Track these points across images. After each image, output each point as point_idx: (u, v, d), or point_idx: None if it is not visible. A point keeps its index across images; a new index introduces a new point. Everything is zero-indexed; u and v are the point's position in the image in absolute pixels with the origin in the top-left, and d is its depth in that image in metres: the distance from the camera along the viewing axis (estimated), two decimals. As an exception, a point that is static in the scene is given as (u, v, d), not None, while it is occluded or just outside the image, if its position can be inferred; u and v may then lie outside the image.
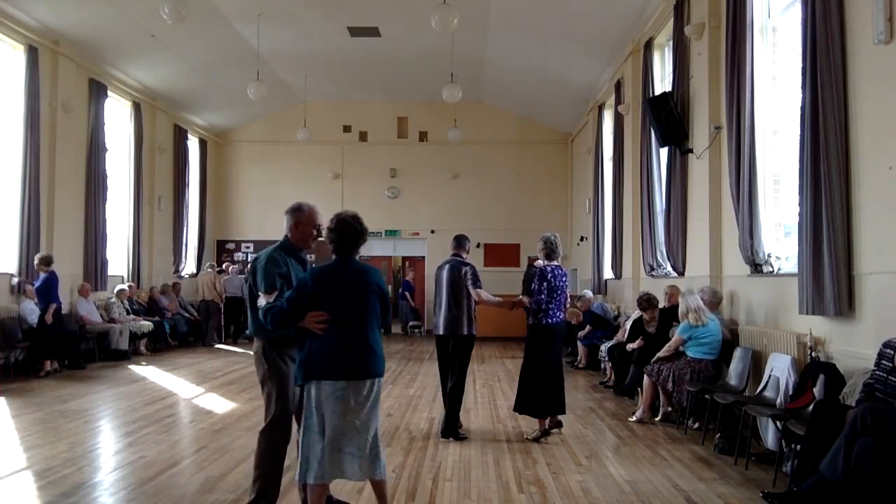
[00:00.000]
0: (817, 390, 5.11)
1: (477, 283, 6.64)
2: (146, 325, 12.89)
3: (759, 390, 6.02)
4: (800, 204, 5.64)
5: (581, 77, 13.99)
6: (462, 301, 6.60)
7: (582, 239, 16.29)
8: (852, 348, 5.19)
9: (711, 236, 7.96)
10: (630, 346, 8.46)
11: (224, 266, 16.90)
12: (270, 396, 4.13)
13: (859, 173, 5.18)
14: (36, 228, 10.93)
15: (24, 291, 10.50)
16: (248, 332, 4.42)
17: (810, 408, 4.80)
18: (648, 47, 10.50)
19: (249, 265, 4.57)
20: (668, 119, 8.80)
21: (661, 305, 8.37)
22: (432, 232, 18.20)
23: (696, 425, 6.73)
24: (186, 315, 14.97)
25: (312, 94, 17.18)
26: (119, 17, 11.26)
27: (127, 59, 13.24)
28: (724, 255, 7.85)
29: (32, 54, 10.92)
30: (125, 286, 13.25)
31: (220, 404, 8.12)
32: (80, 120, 12.36)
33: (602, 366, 10.20)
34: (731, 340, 7.06)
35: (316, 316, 3.81)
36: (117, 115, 14.11)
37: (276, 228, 17.88)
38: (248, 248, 18.66)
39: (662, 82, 10.43)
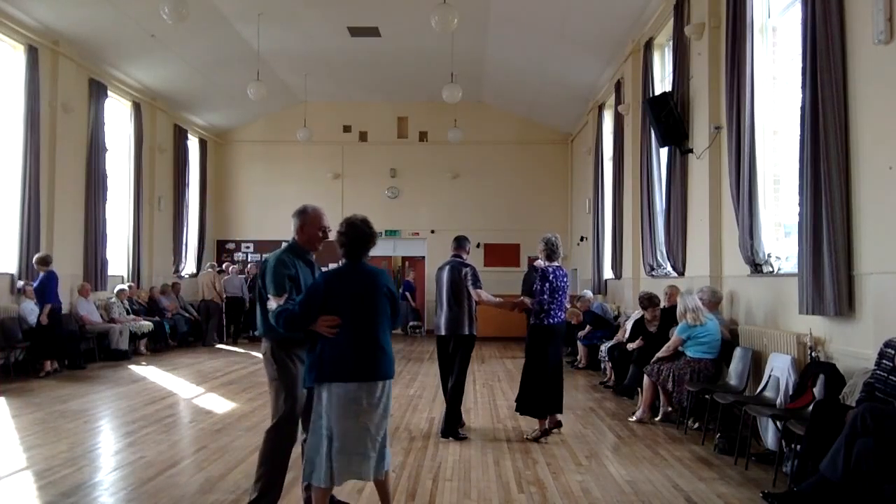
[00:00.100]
0: (817, 390, 5.11)
1: (477, 283, 6.70)
2: (146, 325, 12.89)
3: (759, 390, 6.02)
4: (800, 204, 5.64)
5: (581, 77, 13.98)
6: (463, 301, 6.66)
7: (582, 239, 16.29)
8: (852, 348, 5.19)
9: (711, 236, 7.95)
10: (631, 346, 8.46)
11: (224, 266, 16.90)
12: (278, 396, 4.15)
13: (859, 173, 5.18)
14: (36, 228, 10.93)
15: (23, 292, 10.51)
16: (256, 332, 4.44)
17: (810, 408, 4.80)
18: (648, 47, 10.50)
19: (259, 267, 4.59)
20: (668, 119, 8.79)
21: (661, 305, 8.37)
22: (432, 232, 18.19)
23: (696, 425, 6.73)
24: (186, 315, 14.97)
25: (312, 94, 17.18)
26: (119, 17, 11.26)
27: (127, 59, 13.23)
28: (724, 255, 7.85)
29: (32, 54, 10.92)
30: (125, 286, 13.24)
31: (220, 404, 8.12)
32: (80, 120, 12.36)
33: (602, 366, 10.19)
34: (731, 340, 7.06)
35: (328, 321, 3.84)
36: (117, 115, 14.11)
37: (276, 228, 17.91)
38: (247, 248, 18.66)
39: (662, 82, 10.43)
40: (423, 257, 18.52)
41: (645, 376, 7.28)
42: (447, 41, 12.29)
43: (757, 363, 6.42)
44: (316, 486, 3.85)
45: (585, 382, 9.99)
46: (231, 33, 12.74)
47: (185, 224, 16.64)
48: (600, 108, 14.27)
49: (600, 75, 13.53)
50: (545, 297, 6.42)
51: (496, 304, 7.04)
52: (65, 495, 4.68)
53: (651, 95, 9.94)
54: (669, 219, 9.15)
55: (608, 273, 13.32)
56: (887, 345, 4.40)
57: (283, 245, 4.40)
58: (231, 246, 18.75)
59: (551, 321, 6.47)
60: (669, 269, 9.42)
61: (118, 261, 13.88)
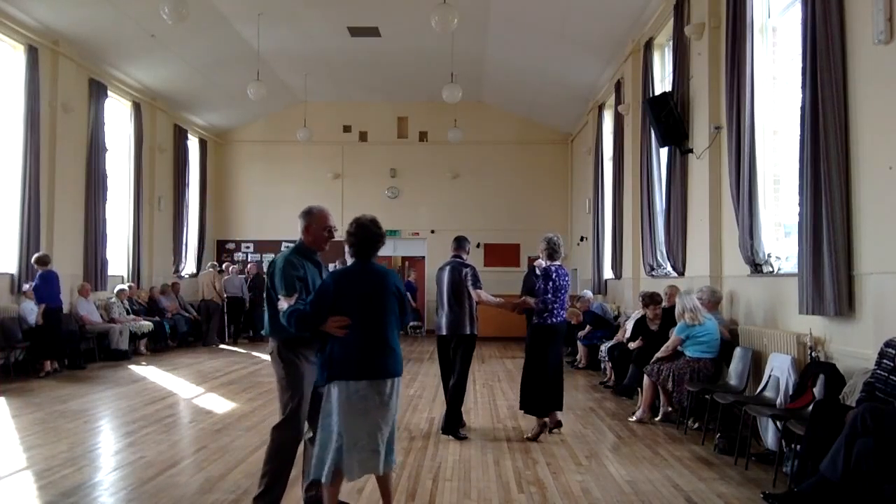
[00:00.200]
0: (817, 390, 5.11)
1: (477, 283, 6.74)
2: (146, 325, 12.89)
3: (759, 390, 6.01)
4: (800, 204, 5.64)
5: (581, 77, 13.98)
6: (464, 301, 6.70)
7: (582, 239, 16.29)
8: (852, 348, 5.19)
9: (711, 236, 7.95)
10: (632, 345, 8.47)
11: (224, 266, 16.90)
12: (285, 394, 4.20)
13: (859, 173, 5.18)
14: (36, 228, 10.92)
15: (24, 291, 10.51)
16: (262, 331, 4.50)
17: (810, 408, 4.80)
18: (648, 47, 10.50)
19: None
20: (668, 119, 8.79)
21: (663, 304, 8.37)
22: (432, 232, 18.19)
23: (696, 425, 6.73)
24: (186, 315, 14.96)
25: (312, 94, 17.18)
26: (119, 17, 11.26)
27: (127, 59, 13.23)
28: (723, 255, 7.85)
29: (32, 54, 10.92)
30: (125, 286, 13.25)
31: (220, 404, 8.12)
32: (80, 120, 12.36)
33: (602, 366, 10.20)
34: (731, 340, 7.06)
35: (338, 321, 3.89)
36: (117, 115, 14.11)
37: (276, 228, 17.91)
38: (247, 248, 18.65)
39: (662, 82, 10.43)
40: (423, 257, 18.52)
41: (645, 376, 7.28)
42: (447, 41, 12.29)
43: (757, 363, 6.42)
44: (325, 484, 3.90)
45: (585, 382, 9.99)
46: (231, 33, 12.74)
47: (185, 224, 16.63)
48: (600, 108, 14.27)
49: (600, 75, 13.53)
50: (549, 296, 6.45)
51: (496, 304, 7.07)
52: (65, 495, 4.68)
53: (651, 95, 9.94)
54: (669, 219, 9.15)
55: (608, 273, 13.32)
56: (888, 344, 4.41)
57: (284, 246, 4.43)
58: (231, 246, 18.74)
59: (555, 320, 6.54)
60: (669, 269, 9.42)
61: (118, 261, 13.88)
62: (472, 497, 4.76)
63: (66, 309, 11.02)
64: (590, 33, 11.84)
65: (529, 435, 6.46)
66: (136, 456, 5.73)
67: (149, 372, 10.73)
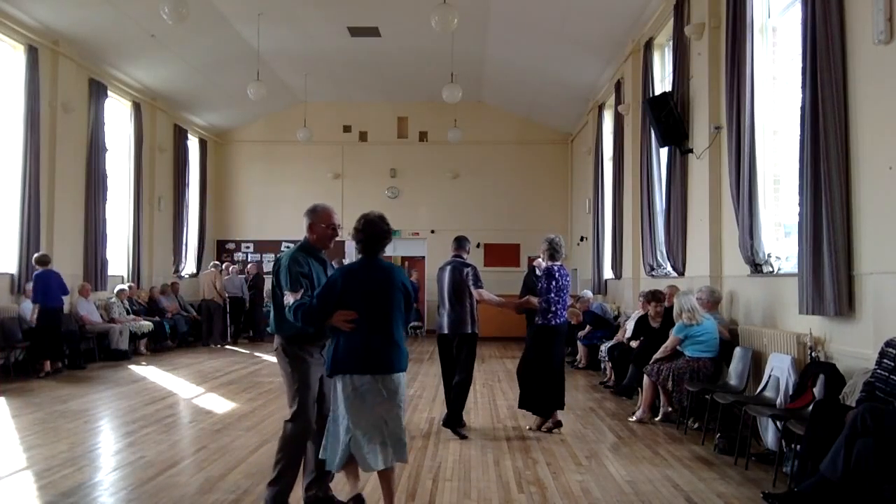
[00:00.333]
0: (817, 390, 5.10)
1: (478, 283, 6.79)
2: (146, 325, 12.89)
3: (759, 390, 6.01)
4: (800, 204, 5.64)
5: (581, 77, 13.98)
6: (465, 301, 6.74)
7: (582, 239, 16.29)
8: (852, 348, 5.19)
9: (711, 236, 7.95)
10: (634, 344, 8.47)
11: (224, 266, 16.89)
12: (292, 389, 4.27)
13: (859, 173, 5.18)
14: (36, 228, 10.93)
15: (24, 291, 10.51)
16: (269, 329, 4.55)
17: (810, 408, 4.80)
18: (648, 47, 10.50)
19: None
20: (668, 119, 8.79)
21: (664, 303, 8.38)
22: (432, 232, 18.19)
23: (696, 425, 6.73)
24: (186, 315, 14.96)
25: (312, 95, 17.17)
26: (119, 17, 11.26)
27: (127, 59, 13.23)
28: (723, 255, 7.85)
29: (32, 54, 10.92)
30: (125, 286, 13.25)
31: (220, 404, 8.12)
32: (80, 120, 12.36)
33: (602, 366, 10.20)
34: (730, 340, 7.06)
35: (344, 315, 3.96)
36: (117, 115, 14.11)
37: (276, 228, 17.92)
38: (247, 248, 18.63)
39: (662, 82, 10.43)
40: (423, 257, 18.51)
41: (645, 376, 7.28)
42: (447, 41, 12.29)
43: (757, 363, 6.42)
44: (337, 471, 4.05)
45: (585, 382, 9.99)
46: (231, 33, 12.74)
47: (185, 224, 16.63)
48: (600, 108, 14.27)
49: (600, 75, 13.53)
50: (552, 295, 6.47)
51: (498, 303, 7.13)
52: (65, 495, 4.68)
53: (651, 95, 9.94)
54: (669, 219, 9.15)
55: (608, 273, 13.32)
56: (888, 344, 4.40)
57: (284, 246, 4.46)
58: (231, 246, 18.73)
59: (558, 321, 6.62)
60: (669, 269, 9.42)
61: (118, 261, 13.88)
62: (472, 497, 4.76)
63: (66, 309, 11.01)
64: (590, 33, 11.84)
65: (532, 426, 6.53)
66: (136, 456, 5.73)
67: (149, 372, 10.73)
